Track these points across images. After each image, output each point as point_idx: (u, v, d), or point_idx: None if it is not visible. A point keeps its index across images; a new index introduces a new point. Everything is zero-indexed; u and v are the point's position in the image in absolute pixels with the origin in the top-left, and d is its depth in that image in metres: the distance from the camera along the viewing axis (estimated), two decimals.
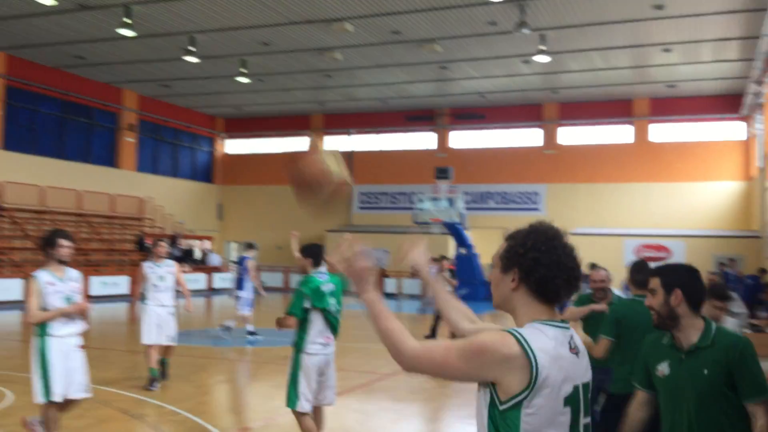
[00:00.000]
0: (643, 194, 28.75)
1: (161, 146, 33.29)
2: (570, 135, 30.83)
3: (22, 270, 22.30)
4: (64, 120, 28.21)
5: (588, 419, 2.13)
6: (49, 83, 26.81)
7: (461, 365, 2.01)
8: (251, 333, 14.09)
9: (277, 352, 12.92)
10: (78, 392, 5.98)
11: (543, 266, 2.10)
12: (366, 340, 12.50)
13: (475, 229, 29.35)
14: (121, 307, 20.86)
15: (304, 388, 5.84)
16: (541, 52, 21.38)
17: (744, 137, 27.95)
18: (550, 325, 2.08)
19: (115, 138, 30.52)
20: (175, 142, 34.01)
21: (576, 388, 2.06)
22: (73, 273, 6.06)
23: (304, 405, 5.84)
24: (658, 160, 28.78)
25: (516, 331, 2.03)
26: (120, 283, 24.36)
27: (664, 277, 3.14)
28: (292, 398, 5.85)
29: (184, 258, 26.28)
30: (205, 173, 36.19)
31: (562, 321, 2.13)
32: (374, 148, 34.21)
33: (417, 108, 32.37)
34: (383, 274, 29.29)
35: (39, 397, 5.78)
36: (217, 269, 30.48)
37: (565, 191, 30.06)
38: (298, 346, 5.94)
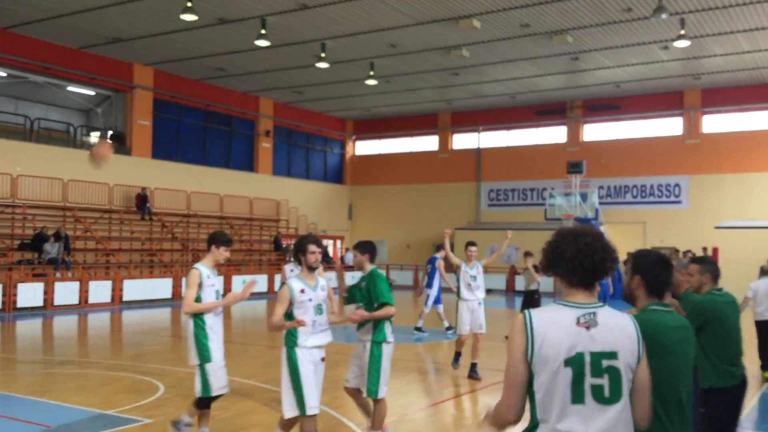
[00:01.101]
0: None
1: (295, 150, 34.55)
2: (714, 123, 28.96)
3: (171, 270, 23.88)
4: (207, 128, 29.94)
5: (599, 380, 2.57)
6: (192, 94, 28.54)
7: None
8: (418, 329, 15.04)
9: (409, 348, 13.03)
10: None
11: (548, 261, 2.82)
12: None
13: (611, 224, 28.25)
14: (260, 305, 21.82)
15: (386, 376, 6.23)
16: (681, 37, 20.24)
17: None
18: (563, 304, 2.71)
19: (253, 144, 31.98)
20: (307, 145, 35.19)
21: (580, 354, 2.58)
22: (322, 281, 5.81)
23: (384, 391, 6.26)
24: None
25: (527, 311, 2.70)
26: (259, 282, 25.43)
27: (633, 261, 3.37)
28: (377, 388, 6.16)
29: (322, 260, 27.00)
30: (335, 175, 37.18)
31: (586, 304, 2.68)
32: (503, 144, 33.75)
33: (547, 102, 31.60)
34: (513, 272, 28.85)
35: (292, 411, 5.51)
36: (350, 268, 31.05)
37: (709, 182, 28.27)
38: (381, 337, 6.23)
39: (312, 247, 5.69)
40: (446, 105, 33.22)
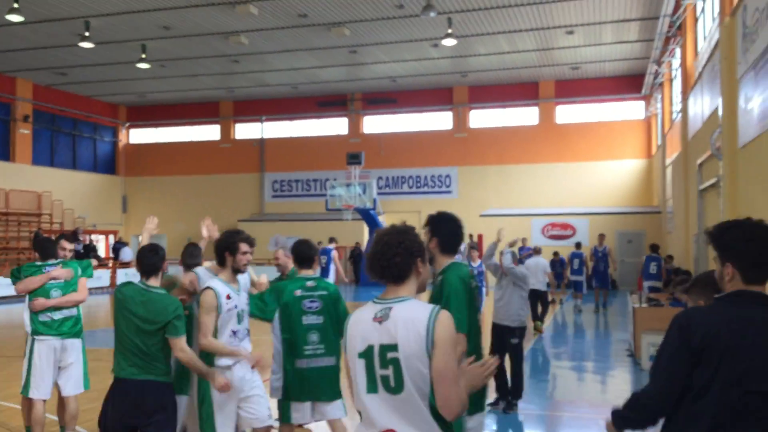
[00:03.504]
0: (549, 174, 29.43)
1: (59, 137, 31.67)
2: (479, 118, 31.20)
3: None
4: None
5: (385, 371, 2.69)
6: None
7: None
8: None
9: None
10: None
11: (369, 264, 2.93)
12: None
13: (389, 213, 29.35)
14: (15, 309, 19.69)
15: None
16: (448, 35, 21.42)
17: (644, 116, 28.98)
18: (376, 301, 2.86)
19: (8, 130, 28.80)
20: (73, 132, 32.42)
21: (371, 346, 2.73)
22: (243, 280, 5.21)
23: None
24: (563, 141, 29.51)
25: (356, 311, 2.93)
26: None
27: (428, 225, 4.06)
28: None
29: (87, 255, 25.09)
30: (107, 165, 34.70)
31: (383, 299, 2.84)
32: (286, 135, 33.67)
33: (328, 93, 32.01)
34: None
35: None
36: (127, 265, 29.01)
37: (475, 173, 30.44)
38: None
39: (244, 247, 4.98)
40: (227, 93, 32.39)
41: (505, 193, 29.81)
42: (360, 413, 2.80)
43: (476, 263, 12.71)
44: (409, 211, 30.26)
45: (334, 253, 17.90)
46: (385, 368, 2.70)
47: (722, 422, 2.55)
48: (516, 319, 8.00)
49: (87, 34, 21.36)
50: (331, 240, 19.87)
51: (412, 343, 2.66)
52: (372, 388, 2.73)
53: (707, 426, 2.57)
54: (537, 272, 14.15)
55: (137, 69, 26.11)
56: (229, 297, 4.91)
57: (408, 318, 2.71)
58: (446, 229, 4.06)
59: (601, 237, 19.47)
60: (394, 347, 2.68)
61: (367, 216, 26.96)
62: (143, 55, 24.17)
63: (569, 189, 29.06)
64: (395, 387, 2.68)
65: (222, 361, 4.86)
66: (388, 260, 2.82)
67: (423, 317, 2.70)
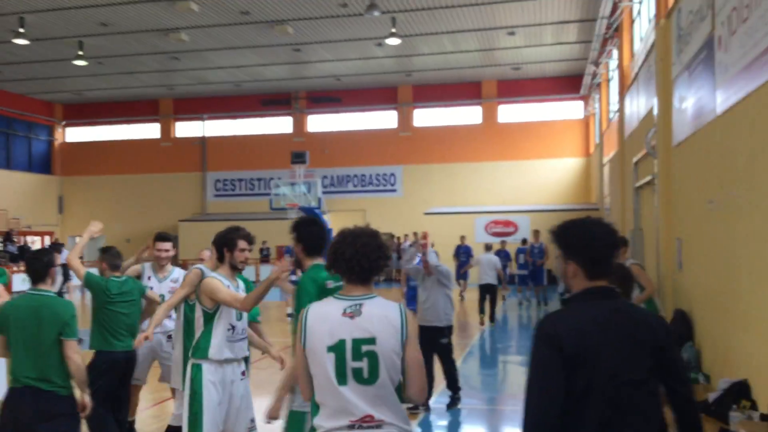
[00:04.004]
0: (492, 173, 29.86)
1: None
2: (424, 117, 31.42)
3: None
4: None
5: (359, 363, 2.89)
6: None
7: None
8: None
9: None
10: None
11: (331, 261, 3.15)
12: None
13: (334, 212, 29.27)
14: None
15: None
16: (393, 35, 21.50)
17: (583, 116, 29.67)
18: (339, 298, 3.06)
19: None
20: (7, 131, 31.30)
21: (342, 340, 2.91)
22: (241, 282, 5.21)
23: None
24: (505, 140, 29.98)
25: (311, 305, 3.11)
26: None
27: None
28: None
29: (21, 256, 24.28)
30: (42, 164, 33.63)
31: (349, 296, 3.04)
32: (229, 133, 33.24)
33: (272, 92, 31.73)
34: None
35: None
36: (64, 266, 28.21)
37: (420, 172, 30.64)
38: None
39: (242, 243, 4.94)
40: (168, 91, 31.77)
41: (449, 191, 30.10)
42: (318, 406, 2.95)
43: (414, 261, 12.82)
44: (355, 210, 30.29)
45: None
46: (358, 360, 2.90)
47: (608, 418, 2.59)
48: (444, 318, 8.05)
49: (21, 30, 20.66)
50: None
51: (389, 337, 2.93)
52: (342, 380, 2.90)
53: (595, 425, 2.59)
54: (488, 267, 15.17)
55: (74, 66, 25.38)
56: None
57: (381, 314, 2.98)
58: (309, 233, 4.36)
59: (536, 233, 19.83)
60: (370, 341, 2.91)
61: (312, 215, 26.81)
62: (80, 52, 23.50)
63: (511, 187, 29.54)
64: (369, 378, 2.90)
65: (215, 355, 4.77)
66: (371, 262, 3.05)
67: (395, 314, 2.99)
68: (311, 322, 2.98)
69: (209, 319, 4.80)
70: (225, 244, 4.96)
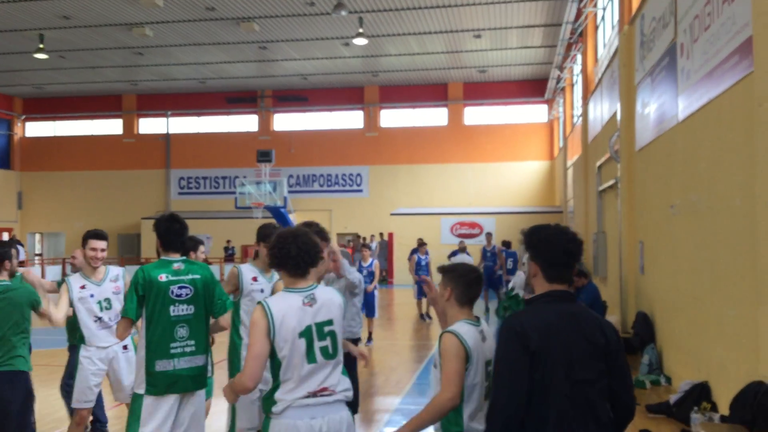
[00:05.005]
0: (458, 174, 30.02)
1: None
2: (390, 118, 31.44)
3: None
4: None
5: (324, 342, 3.46)
6: None
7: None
8: None
9: None
10: None
11: (277, 259, 3.57)
12: None
13: (300, 211, 29.14)
14: None
15: None
16: (360, 35, 21.47)
17: (547, 119, 30.00)
18: (293, 291, 3.52)
19: None
20: None
21: (308, 326, 3.44)
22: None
23: None
24: (471, 142, 30.15)
25: (265, 300, 3.47)
26: None
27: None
28: None
29: None
30: (1, 159, 32.84)
31: (299, 288, 3.52)
32: (193, 131, 32.85)
33: (238, 89, 31.45)
34: (207, 261, 28.27)
35: None
36: (22, 264, 27.60)
37: (386, 173, 30.66)
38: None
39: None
40: (131, 86, 31.26)
41: (415, 192, 30.18)
42: (283, 383, 3.41)
43: (367, 262, 12.82)
44: (320, 210, 30.17)
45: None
46: (323, 340, 3.46)
47: (565, 415, 2.76)
48: (349, 331, 7.31)
49: None
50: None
51: (339, 317, 3.57)
52: (312, 359, 3.42)
53: (554, 421, 2.76)
54: None
55: (34, 59, 24.82)
56: (255, 279, 5.45)
57: (329, 299, 3.57)
58: (163, 228, 4.68)
59: (489, 236, 19.21)
60: (329, 322, 3.51)
61: (278, 214, 26.66)
62: (41, 45, 22.98)
63: (477, 189, 29.72)
64: (332, 353, 3.49)
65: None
66: (311, 257, 3.54)
67: (338, 297, 3.62)
68: (280, 313, 3.39)
69: (237, 310, 5.51)
70: (262, 239, 5.50)
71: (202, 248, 6.39)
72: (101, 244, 5.84)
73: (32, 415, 5.17)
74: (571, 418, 2.77)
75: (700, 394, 6.56)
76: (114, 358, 5.87)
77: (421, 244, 17.26)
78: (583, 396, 2.79)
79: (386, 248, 27.58)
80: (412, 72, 28.56)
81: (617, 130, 11.61)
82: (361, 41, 22.00)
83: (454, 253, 18.51)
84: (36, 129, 34.09)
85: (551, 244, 2.95)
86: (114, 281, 5.97)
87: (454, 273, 3.48)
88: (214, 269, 26.90)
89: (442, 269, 3.58)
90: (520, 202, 29.30)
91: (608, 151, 12.23)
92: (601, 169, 14.66)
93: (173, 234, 4.66)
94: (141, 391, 4.48)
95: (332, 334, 3.50)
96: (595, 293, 8.84)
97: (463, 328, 3.31)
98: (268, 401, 3.44)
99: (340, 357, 3.53)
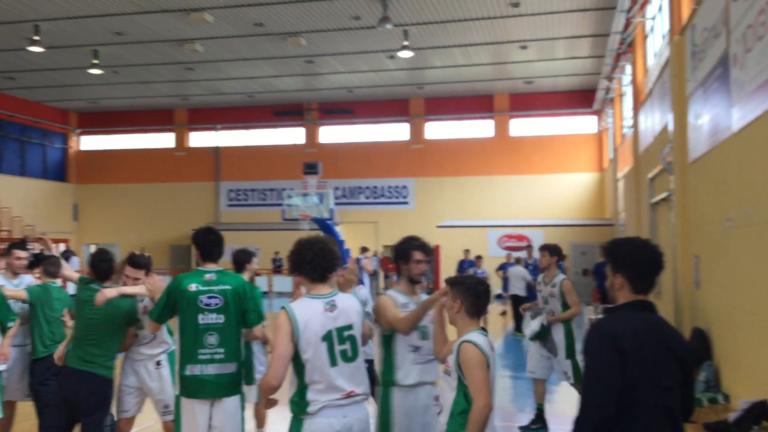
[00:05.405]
0: (504, 187, 29.77)
1: (7, 143, 30.76)
2: (435, 130, 31.41)
3: None
4: None
5: (344, 346, 3.69)
6: None
7: None
8: None
9: None
10: None
11: (294, 264, 3.84)
12: None
13: (346, 223, 29.28)
14: None
15: None
16: (405, 47, 21.52)
17: (596, 131, 29.56)
18: (315, 297, 3.76)
19: None
20: (22, 138, 31.55)
21: (329, 331, 3.66)
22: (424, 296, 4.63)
23: None
24: (517, 154, 29.90)
25: (288, 305, 3.71)
26: None
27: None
28: None
29: (36, 263, 24.34)
30: (57, 172, 33.85)
31: (320, 294, 3.76)
32: (242, 144, 33.37)
33: (285, 103, 31.85)
34: (255, 273, 28.58)
35: None
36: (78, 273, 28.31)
37: (432, 185, 30.60)
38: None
39: (418, 254, 4.47)
40: (182, 101, 31.96)
41: (461, 204, 30.03)
42: (307, 385, 3.62)
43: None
44: (366, 222, 30.30)
45: (365, 262, 16.55)
46: (343, 344, 3.68)
47: (651, 421, 2.86)
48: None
49: (37, 38, 20.82)
50: (364, 249, 18.76)
51: (358, 322, 3.80)
52: (333, 362, 3.64)
53: (643, 425, 2.84)
54: (517, 280, 16.02)
55: (89, 74, 25.57)
56: (406, 306, 4.43)
57: (349, 305, 3.81)
58: (201, 239, 4.91)
59: (529, 249, 18.69)
60: (349, 327, 3.74)
61: (324, 226, 26.82)
62: (95, 61, 23.68)
63: (524, 201, 29.43)
64: (352, 356, 3.71)
65: (402, 380, 4.35)
66: (328, 262, 3.78)
67: (355, 303, 3.87)
68: (304, 318, 3.63)
69: (388, 345, 4.42)
70: (400, 257, 4.54)
71: (255, 260, 6.67)
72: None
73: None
74: (656, 423, 2.86)
75: (760, 413, 6.34)
76: (147, 373, 5.72)
77: (477, 257, 17.77)
78: (666, 403, 2.89)
79: (432, 261, 27.49)
80: (458, 84, 28.50)
81: (670, 141, 11.35)
82: (406, 54, 22.06)
83: (503, 266, 18.37)
84: (90, 143, 35.07)
85: (638, 256, 3.03)
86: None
87: (462, 286, 3.70)
88: (262, 281, 27.22)
89: (450, 282, 3.77)
90: (568, 214, 28.89)
91: (660, 163, 11.97)
92: (653, 182, 14.35)
93: (210, 245, 4.88)
94: (177, 392, 4.72)
95: (352, 339, 3.72)
96: None
97: (479, 338, 3.57)
98: (298, 403, 3.64)
99: (360, 360, 3.75)
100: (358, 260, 16.38)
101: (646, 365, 2.85)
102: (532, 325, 7.89)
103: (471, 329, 3.62)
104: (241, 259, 6.52)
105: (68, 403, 5.26)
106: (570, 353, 7.70)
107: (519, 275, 16.07)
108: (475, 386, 3.41)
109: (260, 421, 6.92)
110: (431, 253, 4.79)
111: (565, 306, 7.70)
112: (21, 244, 6.89)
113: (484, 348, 3.51)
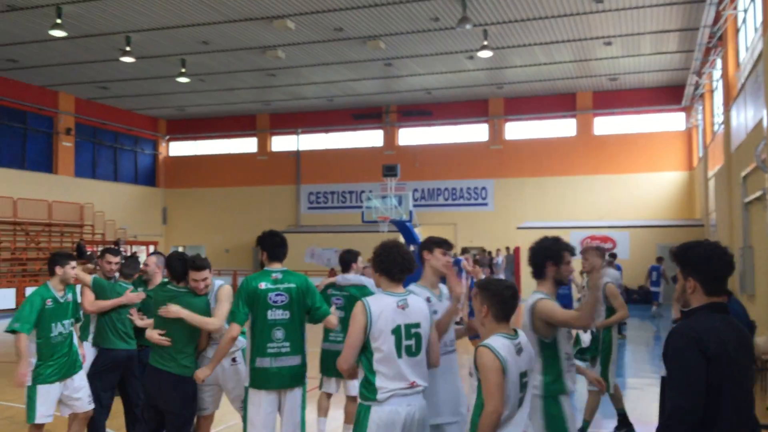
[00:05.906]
0: (587, 186, 29.05)
1: (101, 150, 32.31)
2: (515, 130, 30.96)
3: None
4: None
5: (410, 341, 3.96)
6: None
7: None
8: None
9: None
10: None
11: (384, 265, 4.14)
12: None
13: (425, 225, 29.22)
14: None
15: None
16: (484, 47, 21.34)
17: (685, 128, 28.45)
18: (390, 294, 4.07)
19: (51, 143, 29.46)
20: (115, 145, 33.05)
21: (398, 326, 3.96)
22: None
23: None
24: (602, 153, 29.11)
25: (366, 299, 4.05)
26: None
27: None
28: None
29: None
30: (147, 177, 35.29)
31: (396, 292, 4.09)
32: (322, 147, 33.85)
33: (364, 106, 32.11)
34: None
35: None
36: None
37: (512, 186, 30.18)
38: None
39: (568, 256, 4.31)
40: (264, 106, 32.71)
41: (542, 205, 29.48)
42: (375, 373, 3.91)
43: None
44: (445, 224, 30.16)
45: (464, 263, 16.89)
46: (409, 339, 3.96)
47: (735, 421, 2.89)
48: None
49: (128, 48, 21.79)
50: (464, 251, 20.43)
51: (426, 323, 4.06)
52: (399, 354, 3.93)
53: (727, 426, 2.87)
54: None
55: (177, 83, 26.55)
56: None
57: (419, 305, 4.09)
58: (268, 242, 5.25)
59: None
60: (417, 325, 4.01)
61: (403, 228, 26.88)
62: (183, 70, 24.56)
63: (608, 201, 28.63)
64: (415, 351, 3.99)
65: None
66: (411, 265, 4.14)
67: (424, 305, 4.13)
68: (378, 311, 3.95)
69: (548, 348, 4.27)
70: (550, 257, 4.30)
71: (360, 259, 7.15)
72: (202, 274, 5.55)
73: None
74: (740, 424, 2.90)
75: None
76: (223, 370, 5.77)
77: None
78: (748, 404, 2.96)
79: (513, 262, 27.09)
80: (538, 83, 28.01)
81: (764, 138, 10.80)
82: (485, 54, 21.86)
83: None
84: (178, 148, 36.36)
85: (710, 259, 3.05)
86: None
87: (489, 291, 3.71)
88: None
89: (478, 286, 3.80)
90: (656, 214, 27.92)
91: (754, 161, 11.41)
92: (746, 180, 13.70)
93: (276, 246, 5.23)
94: (247, 383, 5.10)
95: (417, 336, 3.99)
96: (738, 310, 8.22)
97: (498, 342, 3.57)
98: (367, 388, 3.92)
99: (422, 356, 4.01)
100: (458, 261, 16.37)
101: (731, 366, 2.88)
102: (584, 339, 7.66)
103: (496, 333, 3.65)
104: (348, 259, 7.09)
105: (153, 401, 5.50)
106: (604, 363, 7.41)
107: (615, 276, 15.76)
108: (486, 391, 3.50)
109: (322, 411, 7.14)
110: (574, 254, 4.41)
111: (610, 310, 7.45)
112: (114, 249, 7.11)
113: (502, 353, 3.51)
